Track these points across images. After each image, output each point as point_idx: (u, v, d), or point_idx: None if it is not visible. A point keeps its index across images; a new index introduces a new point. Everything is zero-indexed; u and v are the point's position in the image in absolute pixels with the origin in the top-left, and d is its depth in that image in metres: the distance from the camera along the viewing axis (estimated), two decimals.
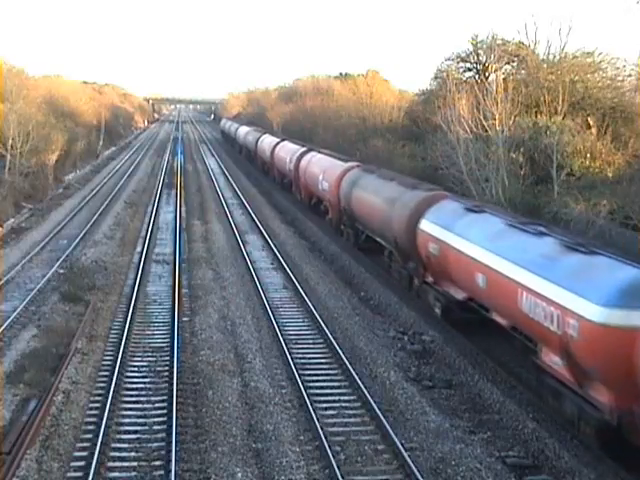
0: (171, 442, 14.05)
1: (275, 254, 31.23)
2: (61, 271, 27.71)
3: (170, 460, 13.52)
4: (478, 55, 43.92)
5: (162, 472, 13.41)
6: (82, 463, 13.68)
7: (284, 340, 20.23)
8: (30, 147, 47.49)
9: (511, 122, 31.23)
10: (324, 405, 16.38)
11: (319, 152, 41.70)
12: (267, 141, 59.26)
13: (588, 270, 14.46)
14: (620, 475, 13.31)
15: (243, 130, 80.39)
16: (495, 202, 27.60)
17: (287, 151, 48.67)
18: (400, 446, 14.20)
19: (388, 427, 14.99)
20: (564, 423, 15.06)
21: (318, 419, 15.38)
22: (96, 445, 13.96)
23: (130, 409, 16.05)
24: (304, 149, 44.56)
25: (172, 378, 17.06)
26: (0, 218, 36.58)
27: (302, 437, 14.97)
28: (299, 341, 20.61)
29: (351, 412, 16.12)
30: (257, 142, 63.67)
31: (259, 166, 63.60)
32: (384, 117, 52.14)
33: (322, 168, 37.04)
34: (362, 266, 28.83)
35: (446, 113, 32.91)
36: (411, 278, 24.28)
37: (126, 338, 19.93)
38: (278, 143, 53.63)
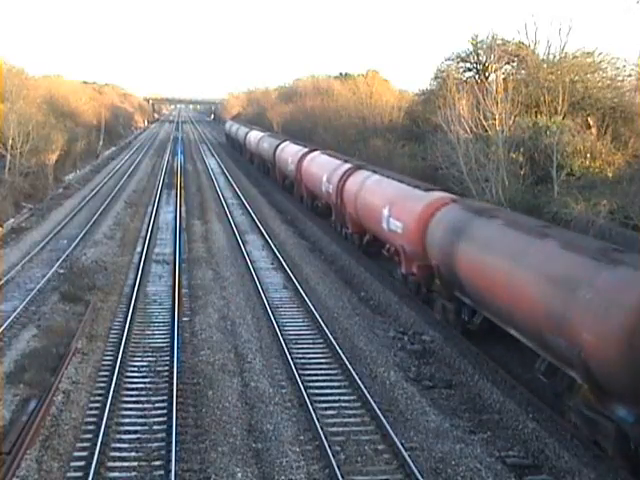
0: (171, 442, 14.06)
1: (275, 254, 31.22)
2: (61, 271, 27.71)
3: (170, 460, 13.53)
4: (478, 55, 43.92)
5: (162, 472, 13.42)
6: (82, 463, 13.69)
7: (284, 340, 20.23)
8: (30, 147, 47.52)
9: (511, 122, 31.24)
10: (324, 405, 16.38)
11: (374, 172, 30.18)
12: (290, 151, 47.77)
13: None
14: (620, 475, 13.32)
15: (255, 135, 67.33)
16: (495, 202, 27.59)
17: (322, 166, 37.56)
18: (400, 446, 14.20)
19: (388, 427, 14.99)
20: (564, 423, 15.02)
21: (318, 419, 15.38)
22: (96, 445, 13.97)
23: (130, 409, 16.06)
24: (349, 165, 33.32)
25: (172, 378, 17.06)
26: (0, 218, 36.59)
27: (302, 437, 14.97)
28: (299, 341, 20.61)
29: (351, 412, 16.12)
30: (275, 151, 52.23)
31: (279, 181, 52.49)
32: (384, 117, 52.15)
33: (386, 197, 25.98)
34: (362, 266, 28.81)
35: (446, 113, 32.91)
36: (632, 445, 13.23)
37: (126, 338, 19.93)
38: (307, 154, 42.72)
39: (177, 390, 16.40)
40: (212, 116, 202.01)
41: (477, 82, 36.47)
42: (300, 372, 17.97)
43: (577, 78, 35.35)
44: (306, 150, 43.70)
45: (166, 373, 17.86)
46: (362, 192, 29.08)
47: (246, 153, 73.96)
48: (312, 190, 39.94)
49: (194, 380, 17.61)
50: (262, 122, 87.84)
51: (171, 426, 14.66)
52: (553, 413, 15.54)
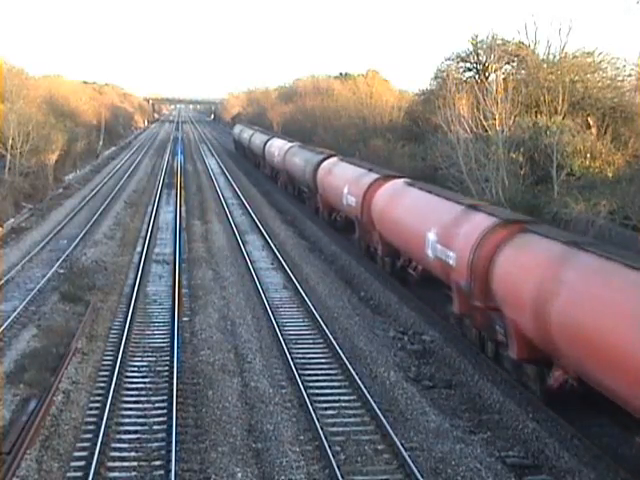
0: (171, 442, 14.06)
1: (275, 254, 31.20)
2: (61, 271, 27.70)
3: (170, 460, 13.52)
4: (478, 55, 43.93)
5: (162, 472, 13.42)
6: (82, 463, 13.68)
7: (284, 340, 20.22)
8: (30, 147, 47.54)
9: (511, 122, 31.27)
10: (324, 405, 16.38)
11: (537, 234, 16.72)
12: (344, 175, 32.47)
13: None
14: (620, 475, 13.32)
15: (279, 147, 51.30)
16: (495, 202, 27.59)
17: (415, 208, 23.61)
18: (400, 446, 14.19)
19: (388, 427, 14.98)
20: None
21: (318, 419, 15.38)
22: (96, 445, 13.96)
23: (130, 409, 16.05)
24: (495, 219, 18.32)
25: (172, 378, 17.06)
26: (0, 218, 36.58)
27: (302, 437, 14.96)
28: (299, 341, 20.60)
29: (351, 412, 16.11)
30: (317, 172, 37.10)
31: (323, 215, 37.22)
32: (384, 117, 52.17)
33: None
34: (362, 266, 28.77)
35: (446, 113, 32.93)
36: None
37: (126, 338, 19.92)
38: (379, 183, 27.56)
39: (177, 390, 16.40)
40: (212, 116, 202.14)
41: (477, 82, 36.47)
42: (300, 372, 17.96)
43: (577, 78, 35.38)
44: (376, 176, 28.46)
45: (166, 373, 17.86)
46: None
47: (265, 167, 59.13)
48: (395, 244, 25.44)
49: (194, 380, 17.61)
50: (262, 122, 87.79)
51: (171, 426, 14.66)
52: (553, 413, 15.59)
